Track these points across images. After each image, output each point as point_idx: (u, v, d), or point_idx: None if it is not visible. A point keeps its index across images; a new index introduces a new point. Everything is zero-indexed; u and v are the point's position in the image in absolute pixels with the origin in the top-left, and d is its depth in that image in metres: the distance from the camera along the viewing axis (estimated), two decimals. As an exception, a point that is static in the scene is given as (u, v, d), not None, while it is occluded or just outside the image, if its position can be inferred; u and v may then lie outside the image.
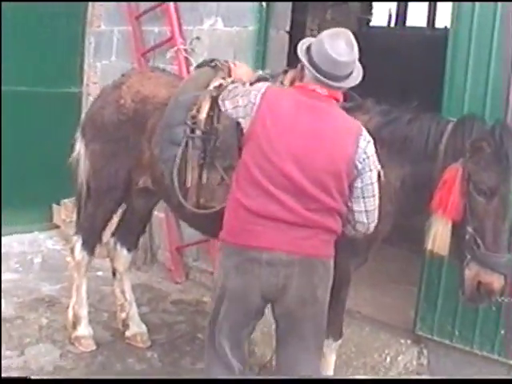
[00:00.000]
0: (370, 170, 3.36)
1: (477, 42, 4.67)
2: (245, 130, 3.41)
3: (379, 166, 3.41)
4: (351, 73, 3.40)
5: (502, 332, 4.72)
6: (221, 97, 3.70)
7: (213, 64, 4.41)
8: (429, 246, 3.63)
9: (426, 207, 3.69)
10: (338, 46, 3.30)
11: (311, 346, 3.52)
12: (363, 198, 3.38)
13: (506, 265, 3.53)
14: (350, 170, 3.28)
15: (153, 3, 6.62)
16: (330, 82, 3.32)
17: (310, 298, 3.43)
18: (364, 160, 3.32)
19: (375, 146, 3.65)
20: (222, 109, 3.66)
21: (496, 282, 3.50)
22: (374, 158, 3.37)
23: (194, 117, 4.13)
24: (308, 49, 3.41)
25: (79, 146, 4.93)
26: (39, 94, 7.09)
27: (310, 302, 3.43)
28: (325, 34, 3.37)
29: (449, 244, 3.59)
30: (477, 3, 4.65)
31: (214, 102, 4.07)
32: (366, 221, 3.44)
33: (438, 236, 3.58)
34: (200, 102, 4.15)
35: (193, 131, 4.14)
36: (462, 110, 4.64)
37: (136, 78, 4.79)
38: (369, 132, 3.69)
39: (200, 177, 4.14)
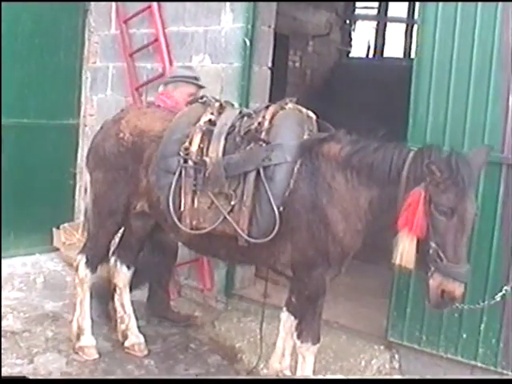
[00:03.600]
0: None
1: (437, 75, 5.09)
2: None
3: None
4: None
5: (464, 336, 5.08)
6: None
7: (202, 101, 4.88)
8: (397, 261, 3.94)
9: (391, 226, 4.05)
10: None
11: None
12: None
13: (466, 274, 3.90)
14: None
15: (146, 42, 7.01)
16: None
17: None
18: None
19: (346, 172, 4.22)
20: None
21: (457, 289, 3.85)
22: None
23: (186, 148, 4.55)
24: None
25: (86, 175, 5.36)
26: (40, 125, 7.45)
27: None
28: None
29: (414, 258, 3.92)
30: (436, 37, 5.06)
31: (204, 135, 4.56)
32: None
33: (405, 252, 3.89)
34: (192, 135, 4.58)
35: (186, 161, 4.54)
36: (424, 137, 5.06)
37: (133, 113, 5.16)
38: (341, 159, 4.25)
39: (192, 201, 4.54)
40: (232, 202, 4.40)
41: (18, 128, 7.21)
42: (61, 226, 7.57)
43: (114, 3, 7.42)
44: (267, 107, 4.65)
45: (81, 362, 5.20)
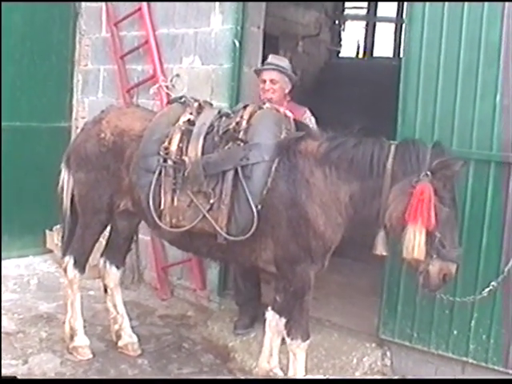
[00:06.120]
0: None
1: (425, 73, 5.10)
2: None
3: None
4: None
5: (455, 332, 5.08)
6: None
7: (182, 101, 4.92)
8: (410, 255, 4.06)
9: (374, 220, 4.25)
10: None
11: None
12: None
13: (460, 255, 4.20)
14: None
15: (136, 44, 7.03)
16: None
17: None
18: None
19: (324, 168, 4.33)
20: None
21: (454, 269, 4.16)
22: None
23: (166, 148, 4.60)
24: None
25: (63, 175, 5.32)
26: (32, 128, 7.50)
27: None
28: None
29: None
30: (424, 36, 5.08)
31: (184, 135, 4.61)
32: None
33: (419, 245, 4.01)
34: (171, 135, 4.63)
35: (165, 161, 4.59)
36: (413, 135, 5.03)
37: (114, 113, 5.20)
38: (319, 155, 4.38)
39: (172, 200, 4.59)
40: (211, 201, 4.45)
41: (10, 131, 7.23)
42: (54, 228, 7.50)
43: (104, 6, 7.45)
44: (245, 107, 4.70)
45: (75, 361, 5.22)
